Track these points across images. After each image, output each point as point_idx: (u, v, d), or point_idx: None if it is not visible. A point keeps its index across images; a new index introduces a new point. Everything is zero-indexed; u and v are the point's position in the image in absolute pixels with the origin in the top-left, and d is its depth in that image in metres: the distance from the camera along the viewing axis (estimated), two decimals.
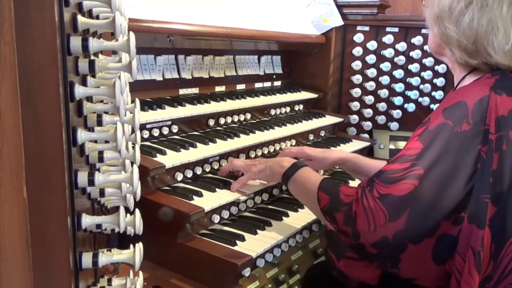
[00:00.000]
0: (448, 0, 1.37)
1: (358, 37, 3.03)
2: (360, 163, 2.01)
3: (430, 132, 1.33)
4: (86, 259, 0.91)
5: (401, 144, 2.99)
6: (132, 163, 1.03)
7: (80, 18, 0.87)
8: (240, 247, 1.64)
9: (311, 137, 2.69)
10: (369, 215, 1.33)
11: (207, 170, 1.97)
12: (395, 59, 3.02)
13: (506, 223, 1.27)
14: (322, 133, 2.81)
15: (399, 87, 3.04)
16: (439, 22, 1.41)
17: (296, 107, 2.91)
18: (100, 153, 0.97)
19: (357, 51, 3.04)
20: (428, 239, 1.30)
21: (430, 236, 1.30)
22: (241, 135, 2.20)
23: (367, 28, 3.03)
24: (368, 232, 1.33)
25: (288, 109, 2.81)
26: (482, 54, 1.36)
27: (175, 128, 2.04)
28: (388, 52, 2.99)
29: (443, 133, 1.30)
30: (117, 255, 0.99)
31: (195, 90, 2.41)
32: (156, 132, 1.96)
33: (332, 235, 1.56)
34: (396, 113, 3.04)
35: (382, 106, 3.06)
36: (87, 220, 0.91)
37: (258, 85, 2.87)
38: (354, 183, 2.20)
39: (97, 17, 1.04)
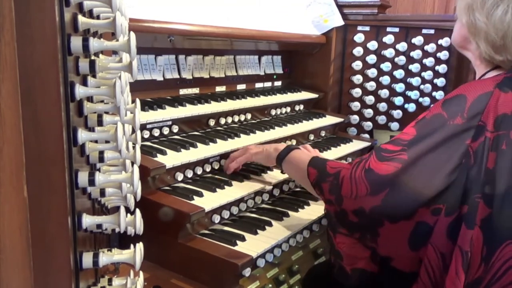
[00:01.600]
0: None
1: (359, 37, 3.03)
2: None
3: (426, 121, 1.37)
4: (87, 259, 0.91)
5: None
6: (132, 163, 1.03)
7: (81, 18, 0.87)
8: (240, 247, 1.64)
9: (312, 137, 2.69)
10: (353, 183, 1.42)
11: (208, 170, 1.97)
12: (396, 59, 3.01)
13: (500, 226, 1.26)
14: (323, 133, 2.81)
15: (399, 87, 3.04)
16: (470, 12, 1.38)
17: (297, 107, 2.91)
18: (101, 153, 0.97)
19: (358, 51, 3.03)
20: (405, 222, 1.34)
21: (407, 218, 1.34)
22: (241, 135, 2.20)
23: (367, 28, 3.03)
24: (350, 198, 1.42)
25: (288, 109, 2.81)
26: (509, 50, 1.34)
27: (175, 128, 2.04)
28: (389, 52, 2.99)
29: (436, 124, 1.34)
30: (118, 255, 0.99)
31: (196, 90, 2.41)
32: (156, 132, 1.96)
33: (330, 214, 1.60)
34: (397, 113, 3.04)
35: (382, 106, 3.05)
36: (88, 220, 0.91)
37: (258, 85, 2.87)
38: None
39: (98, 17, 1.04)
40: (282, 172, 1.99)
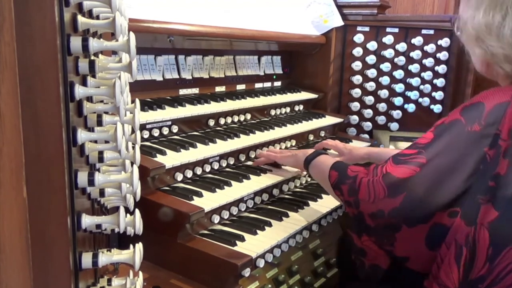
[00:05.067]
0: (482, 19, 1.32)
1: (358, 38, 3.03)
2: (386, 155, 2.04)
3: (445, 126, 1.39)
4: (86, 259, 0.91)
5: (401, 145, 2.99)
6: (132, 163, 1.03)
7: (80, 18, 0.87)
8: (240, 247, 1.64)
9: (311, 137, 2.69)
10: (370, 187, 1.45)
11: (207, 170, 1.97)
12: (395, 60, 3.02)
13: (507, 229, 1.28)
14: (322, 134, 2.81)
15: (399, 87, 3.04)
16: (479, 42, 1.35)
17: (296, 108, 2.91)
18: (100, 153, 0.97)
19: (357, 51, 3.04)
20: (422, 225, 1.38)
21: (424, 222, 1.37)
22: (241, 135, 2.20)
23: (367, 29, 3.03)
24: (367, 201, 1.46)
25: (288, 109, 2.81)
26: None
27: (175, 128, 2.04)
28: (388, 53, 2.99)
29: (454, 128, 1.36)
30: (117, 255, 0.99)
31: (195, 90, 2.41)
32: (156, 132, 1.96)
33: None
34: (396, 114, 3.04)
35: (382, 106, 3.05)
36: (87, 220, 0.91)
37: (258, 85, 2.87)
38: None
39: (97, 17, 1.04)
40: (310, 176, 2.12)
